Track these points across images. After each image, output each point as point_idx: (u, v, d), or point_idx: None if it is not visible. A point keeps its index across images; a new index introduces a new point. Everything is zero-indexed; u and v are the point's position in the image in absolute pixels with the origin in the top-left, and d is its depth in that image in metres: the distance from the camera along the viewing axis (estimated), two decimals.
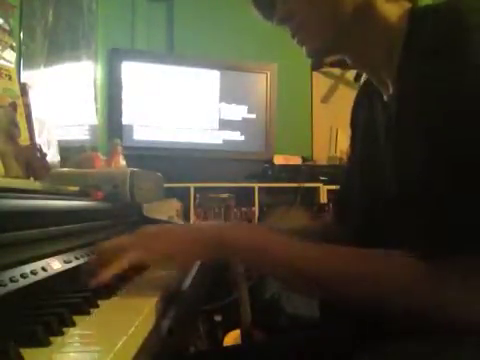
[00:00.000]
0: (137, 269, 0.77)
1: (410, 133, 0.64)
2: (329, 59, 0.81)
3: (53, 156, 1.46)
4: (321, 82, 3.71)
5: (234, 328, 1.79)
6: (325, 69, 3.65)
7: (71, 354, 0.46)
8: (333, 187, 3.19)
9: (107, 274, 0.67)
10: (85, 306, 0.58)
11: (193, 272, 0.92)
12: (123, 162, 1.97)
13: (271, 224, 1.13)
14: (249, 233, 0.71)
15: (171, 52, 3.52)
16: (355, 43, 0.75)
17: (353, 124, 0.95)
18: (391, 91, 0.74)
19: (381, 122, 0.77)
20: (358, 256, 0.64)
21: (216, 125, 3.38)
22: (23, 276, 0.62)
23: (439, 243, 0.58)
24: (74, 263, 0.79)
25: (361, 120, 0.89)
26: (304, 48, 0.76)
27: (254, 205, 3.26)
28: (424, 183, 0.61)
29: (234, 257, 0.74)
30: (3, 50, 1.41)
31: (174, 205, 2.42)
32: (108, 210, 1.19)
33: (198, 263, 0.95)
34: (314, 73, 3.70)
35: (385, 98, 0.77)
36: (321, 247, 0.67)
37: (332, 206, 1.02)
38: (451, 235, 0.57)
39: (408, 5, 0.72)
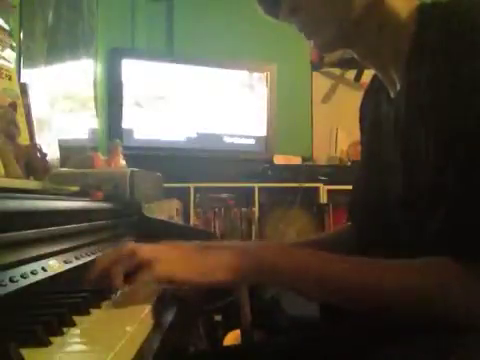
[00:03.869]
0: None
1: (419, 131, 0.64)
2: (330, 57, 0.81)
3: (53, 156, 1.46)
4: (321, 82, 3.71)
5: (234, 328, 1.79)
6: (325, 69, 3.65)
7: (71, 354, 0.46)
8: (333, 187, 3.19)
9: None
10: (85, 306, 0.58)
11: None
12: (123, 162, 1.97)
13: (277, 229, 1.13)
14: (288, 255, 0.68)
15: (171, 51, 3.52)
16: (364, 38, 0.74)
17: (361, 122, 0.95)
18: (398, 88, 0.73)
19: (387, 119, 0.77)
20: (404, 270, 0.63)
21: (216, 125, 3.38)
22: (23, 276, 0.62)
23: (472, 247, 0.58)
24: (74, 263, 0.79)
25: (368, 117, 0.89)
26: (312, 42, 0.75)
27: (254, 205, 3.25)
28: (437, 183, 0.61)
29: (273, 282, 0.70)
30: (3, 50, 1.41)
31: (174, 205, 2.42)
32: (108, 210, 1.19)
33: None
34: (314, 73, 3.70)
35: (392, 95, 0.76)
36: (362, 261, 0.66)
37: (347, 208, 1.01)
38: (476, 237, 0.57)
39: (417, 1, 0.72)
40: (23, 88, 1.33)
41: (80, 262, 0.81)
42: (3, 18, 1.46)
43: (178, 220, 2.42)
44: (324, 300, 0.71)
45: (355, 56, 0.78)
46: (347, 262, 0.66)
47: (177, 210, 2.47)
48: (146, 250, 0.65)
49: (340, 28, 0.72)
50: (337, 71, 3.67)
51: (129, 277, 0.64)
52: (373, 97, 0.86)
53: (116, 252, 0.67)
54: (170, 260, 0.64)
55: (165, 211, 2.02)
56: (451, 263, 0.59)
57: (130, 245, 0.67)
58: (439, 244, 0.60)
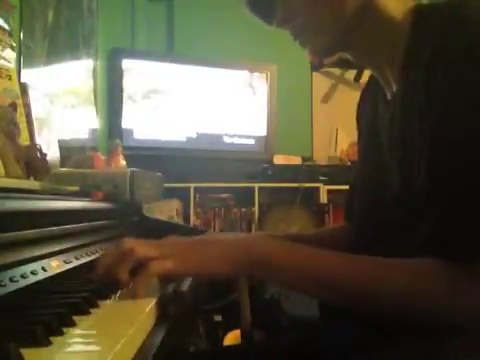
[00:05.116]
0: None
1: (414, 132, 0.64)
2: (329, 59, 0.81)
3: (53, 156, 1.46)
4: (321, 82, 3.71)
5: (234, 328, 1.79)
6: (325, 69, 3.65)
7: (71, 354, 0.46)
8: (333, 187, 3.19)
9: (138, 284, 0.64)
10: (85, 306, 0.58)
11: None
12: (123, 162, 1.97)
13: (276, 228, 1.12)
14: (280, 248, 0.68)
15: (171, 52, 3.52)
16: (359, 41, 0.74)
17: (358, 121, 0.95)
18: (394, 89, 0.73)
19: (383, 120, 0.77)
20: (386, 267, 0.63)
21: (216, 125, 3.38)
22: (23, 276, 0.62)
23: (461, 249, 0.58)
24: (74, 263, 0.79)
25: (365, 118, 0.89)
26: (307, 49, 0.75)
27: (254, 205, 3.25)
28: (431, 184, 0.61)
29: (264, 274, 0.69)
30: (3, 50, 1.41)
31: (174, 205, 2.42)
32: (108, 210, 1.19)
33: None
34: (314, 73, 3.70)
35: (388, 96, 0.77)
36: (354, 258, 0.66)
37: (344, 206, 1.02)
38: (469, 240, 0.57)
39: (412, 2, 0.72)
40: (23, 88, 1.33)
41: (80, 262, 0.81)
42: (3, 18, 1.46)
43: (178, 220, 2.42)
44: (311, 294, 0.71)
45: (351, 58, 0.79)
46: (336, 258, 0.66)
47: (177, 210, 2.47)
48: (143, 247, 0.66)
49: (334, 34, 0.73)
50: (337, 71, 3.67)
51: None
52: (370, 97, 0.86)
53: (116, 250, 0.67)
54: (166, 256, 0.65)
55: (165, 211, 2.02)
56: (437, 264, 0.59)
57: (129, 242, 0.67)
58: (430, 244, 0.60)
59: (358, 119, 0.95)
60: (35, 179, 1.09)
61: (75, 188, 1.18)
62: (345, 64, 3.38)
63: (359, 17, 0.71)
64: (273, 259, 0.66)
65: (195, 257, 0.66)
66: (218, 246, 0.68)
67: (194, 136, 3.31)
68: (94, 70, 2.66)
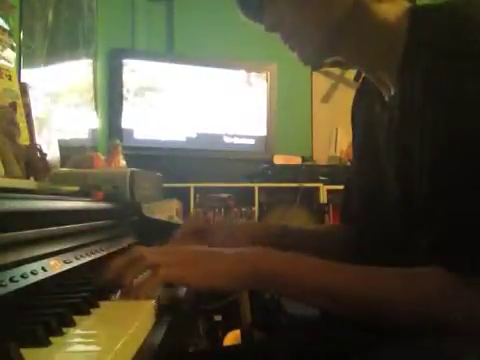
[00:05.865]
0: None
1: (414, 134, 0.64)
2: (328, 59, 0.81)
3: (53, 156, 1.46)
4: (321, 82, 3.71)
5: (234, 328, 1.79)
6: (325, 69, 3.65)
7: (71, 354, 0.46)
8: (333, 187, 3.19)
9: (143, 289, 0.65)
10: (85, 306, 0.58)
11: None
12: (123, 162, 1.97)
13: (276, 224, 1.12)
14: (283, 262, 0.68)
15: (171, 51, 3.52)
16: (350, 45, 0.74)
17: (353, 124, 0.95)
18: (392, 92, 0.73)
19: (381, 122, 0.77)
20: (393, 277, 0.63)
21: (216, 125, 3.38)
22: (23, 276, 0.62)
23: (461, 256, 0.58)
24: (74, 263, 0.79)
25: (360, 120, 0.89)
26: (295, 53, 0.75)
27: (254, 205, 3.25)
28: (431, 186, 0.61)
29: (267, 288, 0.72)
30: (3, 50, 1.40)
31: (174, 205, 2.42)
32: (108, 210, 1.19)
33: None
34: (314, 73, 3.70)
35: (386, 98, 0.76)
36: (355, 269, 0.66)
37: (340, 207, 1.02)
38: (470, 248, 0.57)
39: (406, 4, 0.72)
40: (23, 88, 1.33)
41: (80, 262, 0.81)
42: (3, 18, 1.45)
43: (178, 220, 2.42)
44: (314, 306, 0.72)
45: (344, 61, 0.79)
46: (338, 269, 0.67)
47: (177, 210, 2.46)
48: (153, 255, 0.67)
49: (322, 37, 0.72)
50: (337, 71, 3.67)
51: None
52: (365, 98, 0.86)
53: (126, 256, 0.68)
54: (174, 264, 0.66)
55: (165, 211, 2.01)
56: (438, 270, 0.59)
57: (139, 249, 0.69)
58: (432, 250, 0.60)
59: (353, 119, 0.95)
60: (35, 179, 1.09)
61: (75, 188, 1.18)
62: (345, 64, 3.37)
63: (350, 20, 0.71)
64: (276, 275, 0.67)
65: (200, 271, 0.66)
66: (223, 261, 0.68)
67: (194, 136, 3.31)
68: (94, 70, 2.66)
